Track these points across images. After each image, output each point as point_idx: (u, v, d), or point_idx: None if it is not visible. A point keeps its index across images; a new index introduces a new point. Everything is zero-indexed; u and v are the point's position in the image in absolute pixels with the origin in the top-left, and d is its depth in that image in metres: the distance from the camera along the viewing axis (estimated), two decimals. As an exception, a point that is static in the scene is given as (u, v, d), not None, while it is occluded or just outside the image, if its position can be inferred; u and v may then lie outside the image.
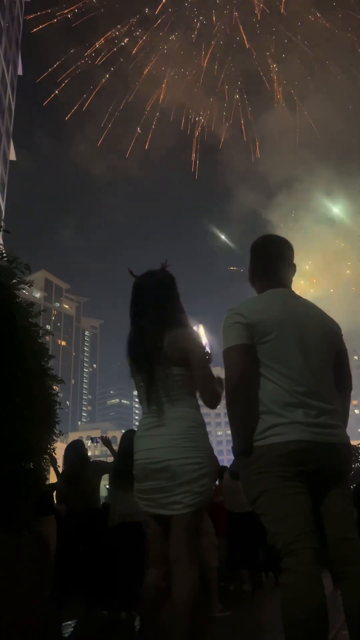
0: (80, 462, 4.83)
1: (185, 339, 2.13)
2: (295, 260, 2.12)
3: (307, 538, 1.69)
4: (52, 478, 5.57)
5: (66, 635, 4.07)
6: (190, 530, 2.00)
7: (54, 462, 5.15)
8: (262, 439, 1.79)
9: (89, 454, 5.75)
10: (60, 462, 5.34)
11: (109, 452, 5.01)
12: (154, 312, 2.21)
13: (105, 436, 5.27)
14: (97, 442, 5.39)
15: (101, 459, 5.77)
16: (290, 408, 1.80)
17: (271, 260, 2.09)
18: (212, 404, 2.10)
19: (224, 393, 2.11)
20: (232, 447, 1.88)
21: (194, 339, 2.15)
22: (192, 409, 2.12)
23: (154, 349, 2.13)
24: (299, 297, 2.05)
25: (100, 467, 4.92)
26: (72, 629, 4.22)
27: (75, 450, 4.96)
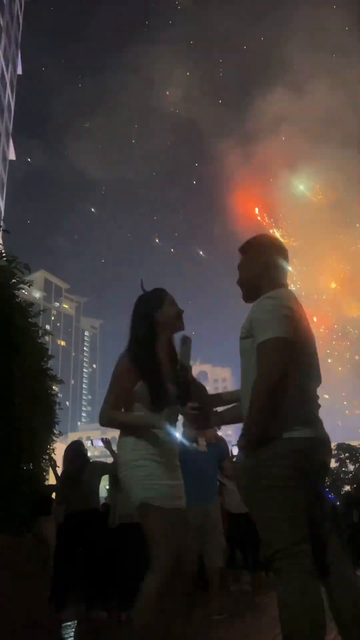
0: (79, 463, 4.82)
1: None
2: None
3: (307, 541, 1.70)
4: (52, 479, 5.55)
5: (66, 635, 4.06)
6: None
7: (53, 464, 5.13)
8: (282, 432, 1.76)
9: (89, 454, 5.73)
10: (59, 462, 5.33)
11: (108, 453, 4.99)
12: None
13: (106, 438, 5.25)
14: (98, 445, 5.38)
15: (101, 459, 5.76)
16: (307, 405, 1.83)
17: (276, 259, 2.08)
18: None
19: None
20: (244, 436, 1.82)
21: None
22: None
23: None
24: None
25: (99, 468, 4.91)
26: (72, 630, 4.21)
27: (75, 451, 4.95)
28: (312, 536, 1.75)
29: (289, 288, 2.07)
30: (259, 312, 1.87)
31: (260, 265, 2.07)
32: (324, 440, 1.84)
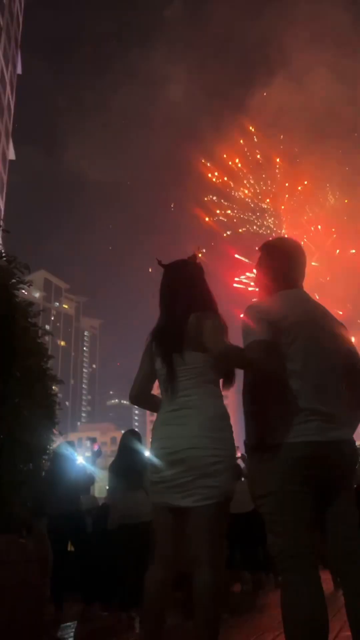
0: (58, 467, 4.82)
1: (206, 319, 2.09)
2: None
3: (308, 544, 1.71)
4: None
5: (66, 635, 4.06)
6: (210, 526, 1.95)
7: None
8: (279, 437, 1.77)
9: (87, 454, 5.74)
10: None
11: (108, 453, 5.01)
12: (185, 297, 2.20)
13: (99, 449, 5.24)
14: (93, 443, 5.36)
15: (100, 459, 5.76)
16: (304, 410, 1.79)
17: (289, 263, 2.08)
18: (229, 380, 2.17)
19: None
20: (247, 437, 1.85)
21: (216, 322, 2.10)
22: (217, 398, 2.11)
23: (180, 335, 2.11)
24: (312, 299, 2.06)
25: (81, 478, 4.97)
26: (72, 630, 4.21)
27: (54, 454, 4.96)
28: (328, 534, 1.79)
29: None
30: (242, 321, 1.90)
31: (267, 268, 2.12)
32: (331, 443, 1.77)
